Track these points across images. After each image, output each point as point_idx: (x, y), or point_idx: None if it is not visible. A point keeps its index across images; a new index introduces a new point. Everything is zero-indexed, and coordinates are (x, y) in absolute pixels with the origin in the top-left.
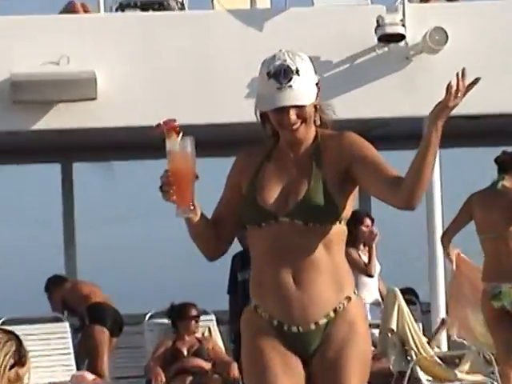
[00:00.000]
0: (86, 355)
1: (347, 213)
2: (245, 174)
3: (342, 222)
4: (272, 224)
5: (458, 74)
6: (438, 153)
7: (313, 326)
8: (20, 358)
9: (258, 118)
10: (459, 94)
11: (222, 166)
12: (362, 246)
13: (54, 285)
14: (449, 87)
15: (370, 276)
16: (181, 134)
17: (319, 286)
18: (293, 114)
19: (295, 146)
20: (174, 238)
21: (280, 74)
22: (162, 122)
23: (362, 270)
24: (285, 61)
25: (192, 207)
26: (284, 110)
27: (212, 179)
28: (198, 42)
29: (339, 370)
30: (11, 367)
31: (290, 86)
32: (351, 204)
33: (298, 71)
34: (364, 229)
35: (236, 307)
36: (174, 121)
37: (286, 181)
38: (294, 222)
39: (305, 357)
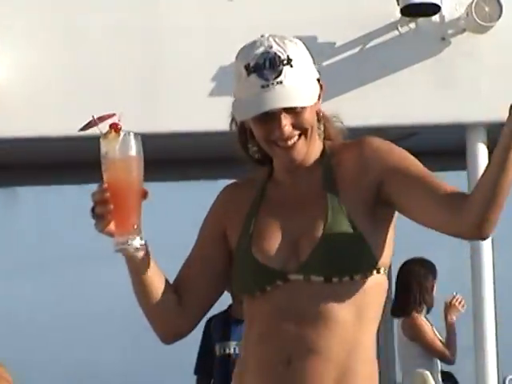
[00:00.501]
0: None
1: (386, 256)
2: (233, 219)
3: (382, 271)
4: (279, 286)
5: None
6: None
7: None
8: None
9: (236, 132)
10: None
11: (182, 192)
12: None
13: None
14: None
15: (450, 363)
16: (122, 133)
17: (322, 379)
18: (286, 124)
19: (295, 169)
20: (108, 300)
21: (264, 66)
22: (94, 117)
23: (439, 354)
24: (270, 47)
25: (136, 237)
26: (273, 118)
27: (166, 211)
28: (142, 19)
29: None
30: None
31: (280, 82)
32: (391, 242)
33: (290, 61)
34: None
35: None
36: (113, 115)
37: (291, 222)
38: (311, 279)
39: None
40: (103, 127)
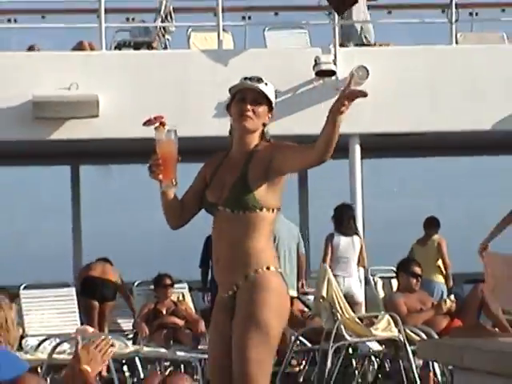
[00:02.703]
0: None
1: (270, 202)
2: (209, 172)
3: (264, 210)
4: (216, 212)
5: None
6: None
7: (226, 295)
8: (13, 300)
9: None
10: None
11: (195, 170)
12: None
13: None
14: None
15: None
16: (166, 127)
17: (229, 266)
18: (248, 104)
19: (241, 148)
20: (160, 222)
21: (252, 78)
22: (152, 117)
23: None
24: (258, 75)
25: (174, 183)
26: (244, 101)
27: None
28: (178, 74)
29: (234, 329)
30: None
31: (256, 82)
32: (274, 195)
33: (266, 84)
34: None
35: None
36: (162, 117)
37: (226, 179)
38: (226, 210)
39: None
40: (157, 124)
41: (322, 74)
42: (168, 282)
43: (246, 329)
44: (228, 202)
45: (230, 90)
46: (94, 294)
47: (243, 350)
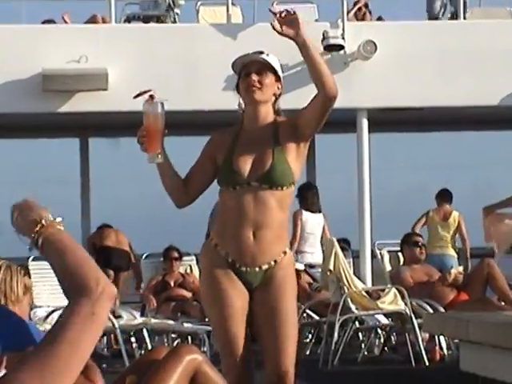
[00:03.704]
0: None
1: (297, 177)
2: (219, 148)
3: (293, 186)
4: (244, 187)
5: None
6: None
7: (257, 269)
8: (27, 271)
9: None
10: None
11: (203, 144)
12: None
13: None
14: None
15: None
16: (154, 100)
17: (269, 241)
18: (254, 76)
19: (258, 122)
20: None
21: (253, 52)
22: (140, 91)
23: None
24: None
25: (159, 155)
26: (249, 75)
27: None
28: (186, 48)
29: (280, 298)
30: (24, 275)
31: (260, 53)
32: (300, 169)
33: (268, 55)
34: None
35: None
36: (150, 90)
37: (254, 153)
38: (262, 186)
39: (248, 289)
40: (146, 96)
41: (330, 48)
42: (175, 255)
43: (289, 298)
44: (267, 178)
45: (232, 67)
46: (110, 263)
47: (287, 314)
